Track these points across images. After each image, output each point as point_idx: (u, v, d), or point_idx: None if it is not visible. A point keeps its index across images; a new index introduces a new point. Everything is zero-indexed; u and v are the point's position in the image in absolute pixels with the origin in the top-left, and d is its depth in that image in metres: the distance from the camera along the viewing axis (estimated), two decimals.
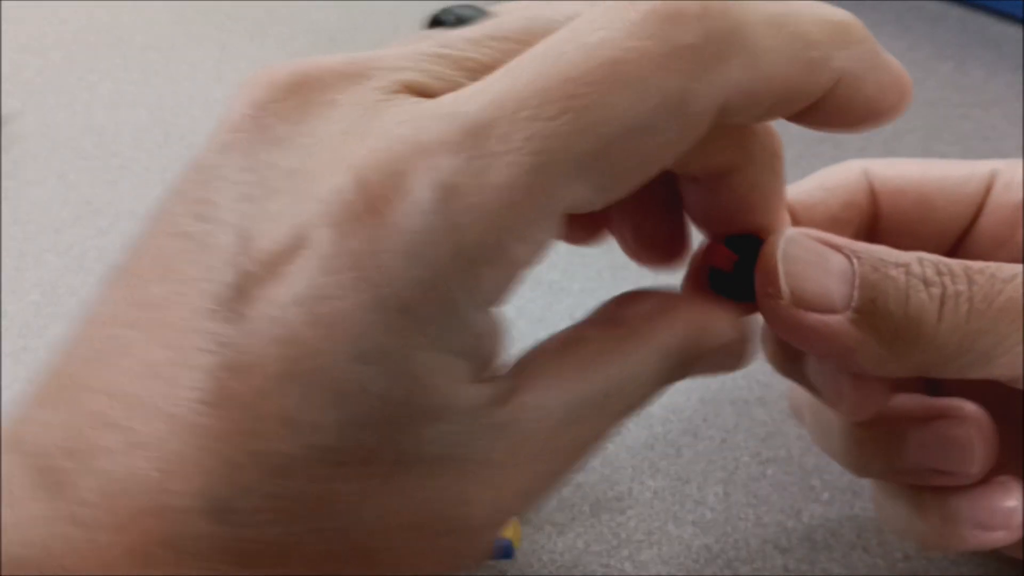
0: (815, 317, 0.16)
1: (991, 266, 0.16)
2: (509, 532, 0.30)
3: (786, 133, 0.18)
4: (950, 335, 0.16)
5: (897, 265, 0.16)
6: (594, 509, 0.32)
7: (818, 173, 0.22)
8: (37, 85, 0.53)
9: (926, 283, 0.16)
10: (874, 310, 0.16)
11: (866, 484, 0.32)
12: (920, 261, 0.16)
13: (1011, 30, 0.55)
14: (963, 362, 0.16)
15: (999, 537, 0.21)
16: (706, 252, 0.19)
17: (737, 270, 0.18)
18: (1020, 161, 0.21)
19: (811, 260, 0.17)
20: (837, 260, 0.16)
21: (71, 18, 0.58)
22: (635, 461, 0.33)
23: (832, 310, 0.16)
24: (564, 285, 0.40)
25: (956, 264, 0.16)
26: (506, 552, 0.30)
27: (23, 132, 0.50)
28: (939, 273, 0.16)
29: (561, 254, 0.42)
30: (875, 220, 0.21)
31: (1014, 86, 0.51)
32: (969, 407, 0.21)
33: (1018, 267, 0.17)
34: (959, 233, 0.21)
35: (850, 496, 0.32)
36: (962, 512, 0.20)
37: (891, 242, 0.20)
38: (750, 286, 0.18)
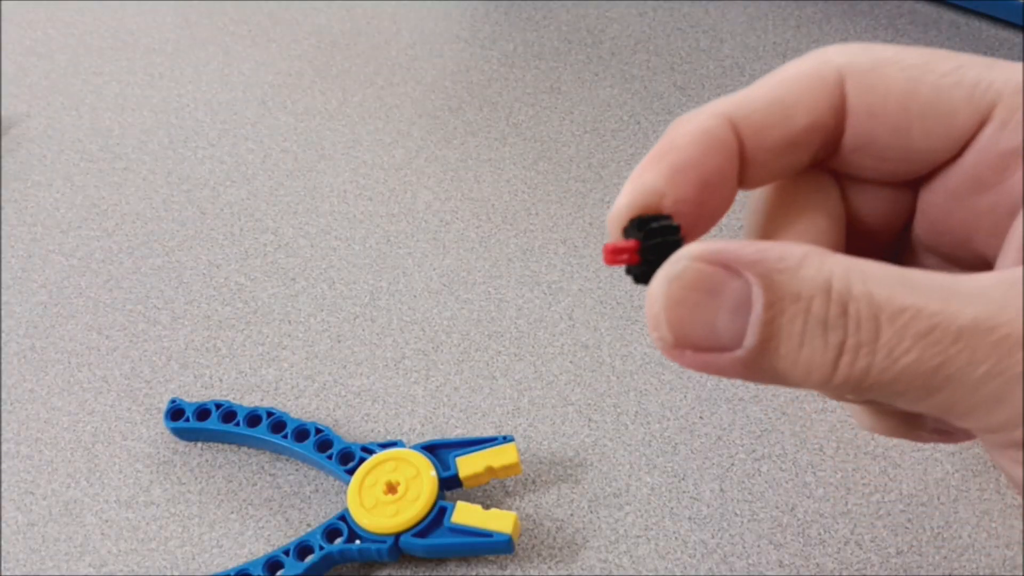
0: (701, 358, 0.15)
1: (905, 310, 0.14)
2: (509, 527, 0.30)
3: None
4: (842, 387, 0.15)
5: (799, 298, 0.14)
6: (592, 505, 0.32)
7: (780, 74, 0.18)
8: (43, 88, 0.53)
9: (826, 327, 0.14)
10: (765, 352, 0.15)
11: (860, 481, 0.32)
12: (827, 294, 0.14)
13: (1006, 34, 0.56)
14: (868, 399, 0.16)
15: (956, 440, 0.20)
16: (604, 252, 0.17)
17: (645, 261, 0.16)
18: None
19: (699, 300, 0.15)
20: (734, 288, 0.15)
21: (77, 22, 0.59)
22: (632, 458, 0.34)
23: (721, 349, 0.15)
24: (563, 285, 0.41)
25: (867, 303, 0.14)
26: (506, 547, 0.30)
27: (29, 135, 0.50)
28: (843, 315, 0.14)
29: (560, 254, 0.42)
30: (839, 137, 0.18)
31: None
32: None
33: (956, 302, 0.14)
34: (935, 166, 0.18)
35: (843, 492, 0.32)
36: (927, 423, 0.19)
37: (853, 164, 0.18)
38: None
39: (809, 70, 0.18)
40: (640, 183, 0.17)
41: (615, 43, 0.56)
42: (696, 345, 0.15)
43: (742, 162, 0.18)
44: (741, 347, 0.15)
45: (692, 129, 0.17)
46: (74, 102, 0.53)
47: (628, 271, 0.17)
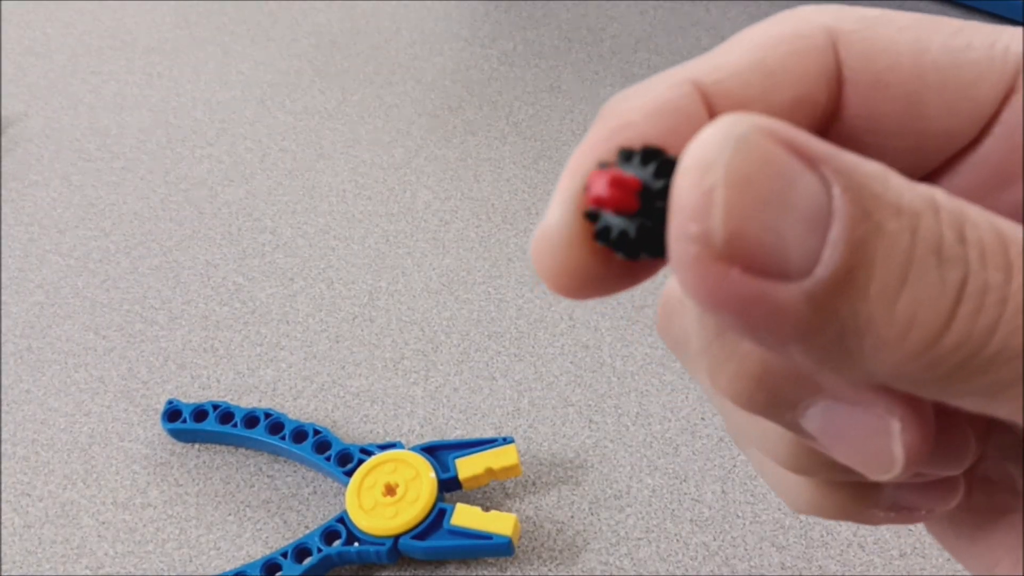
0: (753, 285, 0.10)
1: None
2: (509, 530, 0.30)
3: None
4: (956, 350, 0.10)
5: (899, 212, 0.10)
6: (593, 507, 0.32)
7: (751, 35, 0.14)
8: (41, 88, 0.53)
9: (940, 257, 0.10)
10: (850, 288, 0.10)
11: None
12: (936, 212, 0.10)
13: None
14: (954, 390, 0.10)
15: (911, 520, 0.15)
16: (592, 183, 0.11)
17: (644, 206, 0.10)
18: None
19: (767, 182, 0.10)
20: (806, 185, 0.10)
21: (75, 21, 0.58)
22: (633, 459, 0.34)
23: (784, 275, 0.10)
24: None
25: (990, 229, 0.10)
26: (506, 549, 0.30)
27: (27, 134, 0.50)
28: (962, 241, 0.10)
29: None
30: (834, 118, 0.14)
31: None
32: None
33: None
34: (952, 154, 0.14)
35: None
36: (883, 499, 0.15)
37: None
38: (660, 231, 0.10)
39: (790, 30, 0.13)
40: (582, 175, 0.12)
41: (615, 41, 0.55)
42: (753, 259, 0.10)
43: None
44: (812, 275, 0.10)
45: (649, 102, 0.12)
46: (72, 101, 0.52)
47: (613, 236, 0.11)
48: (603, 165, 0.11)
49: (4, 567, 0.32)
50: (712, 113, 0.13)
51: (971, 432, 0.13)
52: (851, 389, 0.12)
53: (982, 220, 0.10)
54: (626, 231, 0.11)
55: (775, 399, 0.12)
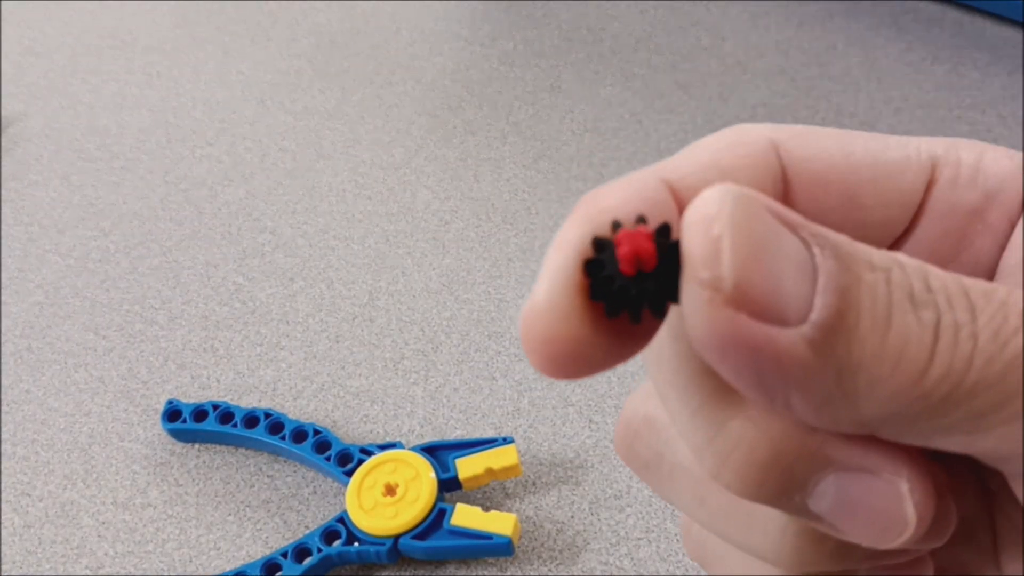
0: (758, 331, 0.11)
1: (996, 289, 0.11)
2: (509, 530, 0.30)
3: None
4: (939, 384, 0.11)
5: (873, 266, 0.11)
6: (593, 507, 0.32)
7: (701, 145, 0.15)
8: (41, 88, 0.53)
9: (914, 301, 0.11)
10: (843, 330, 0.11)
11: None
12: (902, 267, 0.11)
13: (1008, 32, 0.56)
14: (940, 425, 0.11)
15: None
16: (623, 240, 0.11)
17: (663, 269, 0.11)
18: (960, 142, 0.15)
19: (765, 233, 0.11)
20: (792, 244, 0.11)
21: (75, 21, 0.58)
22: None
23: (784, 321, 0.11)
24: None
25: (950, 279, 0.11)
26: (506, 549, 0.30)
27: (27, 134, 0.50)
28: (929, 289, 0.11)
29: None
30: None
31: (1010, 88, 0.52)
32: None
33: None
34: (892, 241, 0.15)
35: None
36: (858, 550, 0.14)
37: None
38: (673, 281, 0.11)
39: (735, 139, 0.15)
40: (566, 254, 0.12)
41: (616, 41, 0.55)
42: (756, 305, 0.11)
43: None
44: (808, 320, 0.11)
45: (623, 191, 0.13)
46: (71, 101, 0.52)
47: (614, 287, 0.11)
48: (617, 226, 0.12)
49: (4, 567, 0.32)
50: (679, 203, 0.14)
51: (952, 503, 0.13)
52: (858, 454, 0.12)
53: (941, 272, 0.11)
54: (626, 287, 0.11)
55: (786, 481, 0.12)
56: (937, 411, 0.11)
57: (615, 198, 0.13)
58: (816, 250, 0.11)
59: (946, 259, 0.15)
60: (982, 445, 0.11)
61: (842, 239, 0.11)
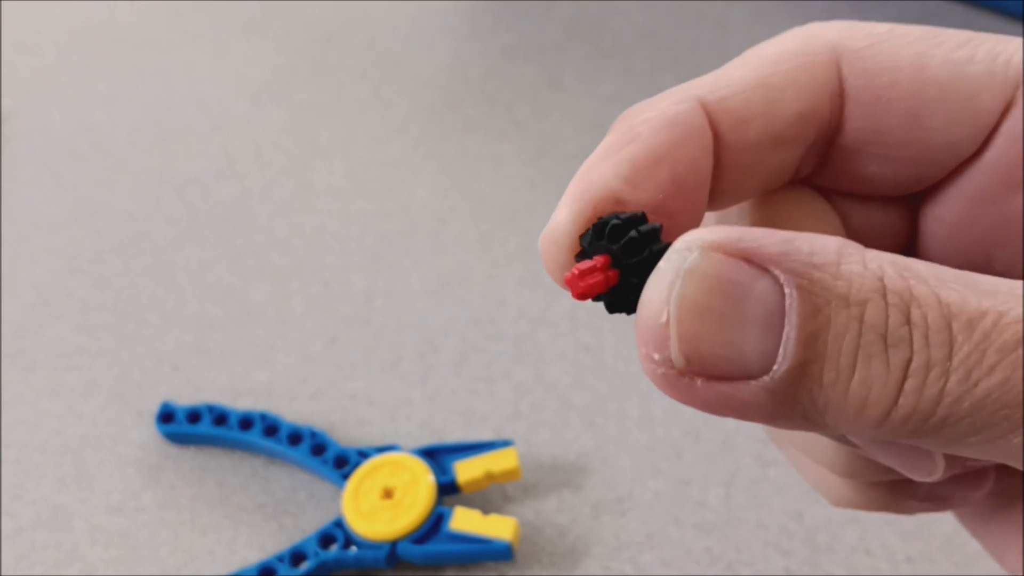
0: (717, 389, 0.11)
1: (986, 313, 0.11)
2: (509, 534, 0.30)
3: None
4: (904, 422, 0.11)
5: (848, 303, 0.11)
6: (594, 511, 0.32)
7: (758, 52, 0.14)
8: (32, 84, 0.53)
9: (887, 341, 0.11)
10: (806, 379, 0.11)
11: None
12: (884, 295, 0.11)
13: (1017, 29, 0.55)
14: (920, 443, 0.12)
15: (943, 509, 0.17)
16: (577, 279, 0.12)
17: (623, 282, 0.12)
18: None
19: (719, 306, 0.11)
20: (761, 291, 0.11)
21: (67, 17, 0.58)
22: (636, 463, 0.33)
23: (745, 376, 0.11)
24: None
25: (933, 308, 0.11)
26: (505, 554, 0.30)
27: (18, 131, 0.49)
28: (907, 322, 0.11)
29: None
30: (836, 133, 0.15)
31: None
32: None
33: None
34: (956, 163, 0.14)
35: None
36: (918, 491, 0.16)
37: (851, 172, 0.15)
38: (628, 299, 0.12)
39: (794, 48, 0.14)
40: (590, 183, 0.13)
41: (618, 37, 0.55)
42: (713, 370, 0.11)
43: (716, 164, 0.14)
44: (771, 372, 0.11)
45: (657, 116, 0.13)
46: (62, 98, 0.52)
47: (599, 298, 0.12)
48: (587, 240, 0.13)
49: None
50: (714, 127, 0.14)
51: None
52: None
53: (929, 298, 0.11)
54: (611, 299, 0.12)
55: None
56: (910, 438, 0.11)
57: (644, 125, 0.13)
58: (788, 291, 0.11)
59: (1018, 184, 0.14)
60: (969, 455, 0.12)
61: (825, 265, 0.11)
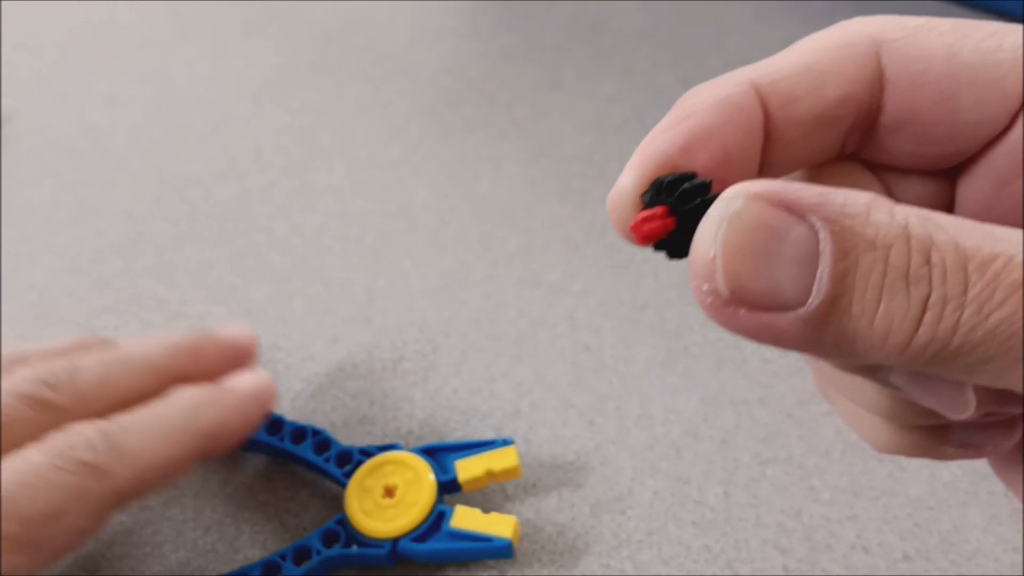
0: (757, 318, 0.13)
1: (997, 257, 0.12)
2: (509, 532, 0.30)
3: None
4: (924, 349, 0.13)
5: (874, 246, 0.12)
6: (594, 509, 0.32)
7: (806, 43, 0.17)
8: (32, 85, 0.53)
9: (908, 279, 0.12)
10: (837, 311, 0.13)
11: (867, 485, 0.32)
12: (907, 240, 0.13)
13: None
14: (940, 370, 0.13)
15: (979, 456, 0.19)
16: (641, 223, 0.15)
17: (681, 229, 0.14)
18: None
19: (759, 246, 0.13)
20: (797, 235, 0.13)
21: (67, 17, 0.58)
22: (635, 462, 0.33)
23: (783, 307, 0.13)
24: (564, 285, 0.40)
25: (950, 252, 0.12)
26: (506, 552, 0.30)
27: (18, 132, 0.49)
28: (927, 263, 0.12)
29: (562, 254, 0.42)
30: (878, 114, 0.17)
31: None
32: None
33: None
34: (985, 141, 0.16)
35: (850, 496, 0.32)
36: (954, 437, 0.18)
37: (891, 148, 0.17)
38: (683, 246, 0.15)
39: (838, 39, 0.16)
40: (650, 152, 0.15)
41: (618, 37, 0.55)
42: (755, 301, 0.13)
43: (766, 139, 0.16)
44: (806, 305, 0.13)
45: (711, 96, 0.16)
46: (62, 98, 0.52)
47: (659, 246, 0.15)
48: (648, 196, 0.15)
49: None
50: (765, 108, 0.16)
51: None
52: None
53: (947, 244, 0.13)
54: (670, 245, 0.15)
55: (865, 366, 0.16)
56: (931, 365, 0.13)
57: (700, 104, 0.15)
58: (822, 235, 0.13)
59: None
60: (981, 382, 0.13)
61: (855, 214, 0.13)
